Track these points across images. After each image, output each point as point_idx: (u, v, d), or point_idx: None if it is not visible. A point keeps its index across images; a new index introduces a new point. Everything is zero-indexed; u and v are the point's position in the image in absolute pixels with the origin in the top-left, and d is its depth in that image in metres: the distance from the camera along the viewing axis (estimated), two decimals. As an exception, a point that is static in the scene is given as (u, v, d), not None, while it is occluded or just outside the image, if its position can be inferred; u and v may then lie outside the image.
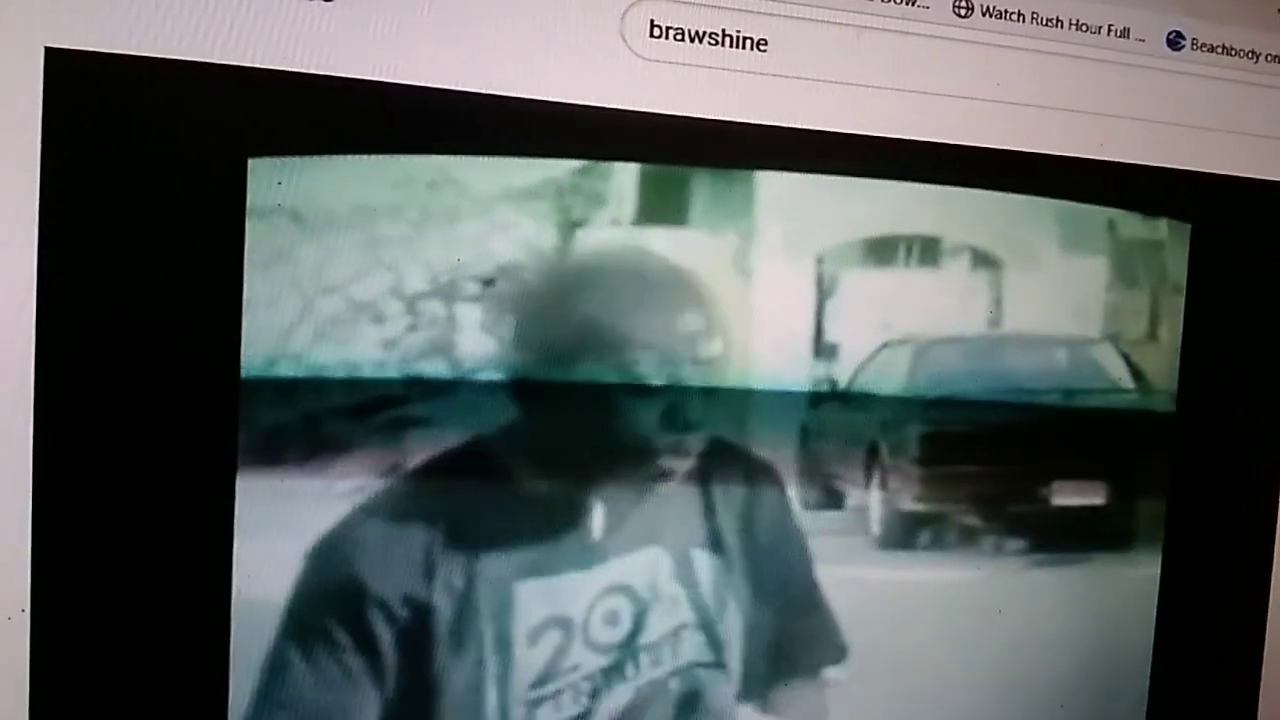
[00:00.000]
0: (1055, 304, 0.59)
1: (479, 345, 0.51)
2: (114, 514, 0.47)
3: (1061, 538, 0.59)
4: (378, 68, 0.48)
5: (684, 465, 0.53)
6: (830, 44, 0.54)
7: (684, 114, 0.52)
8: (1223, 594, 0.63)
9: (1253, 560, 0.63)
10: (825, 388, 0.56)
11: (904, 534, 0.57)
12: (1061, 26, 0.58)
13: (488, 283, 0.51)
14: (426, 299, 0.51)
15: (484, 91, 0.49)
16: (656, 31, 0.52)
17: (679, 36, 0.52)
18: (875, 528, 0.57)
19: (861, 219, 0.56)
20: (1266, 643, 0.63)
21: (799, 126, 0.54)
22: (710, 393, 0.53)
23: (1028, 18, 0.57)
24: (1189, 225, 0.61)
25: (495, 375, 0.51)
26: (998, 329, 0.58)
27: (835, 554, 0.56)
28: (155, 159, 0.46)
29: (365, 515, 0.49)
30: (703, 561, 0.54)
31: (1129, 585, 0.60)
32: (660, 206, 0.53)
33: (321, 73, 0.48)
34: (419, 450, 0.50)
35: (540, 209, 0.51)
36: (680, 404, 0.53)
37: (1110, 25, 0.58)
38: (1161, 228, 0.61)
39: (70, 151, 0.45)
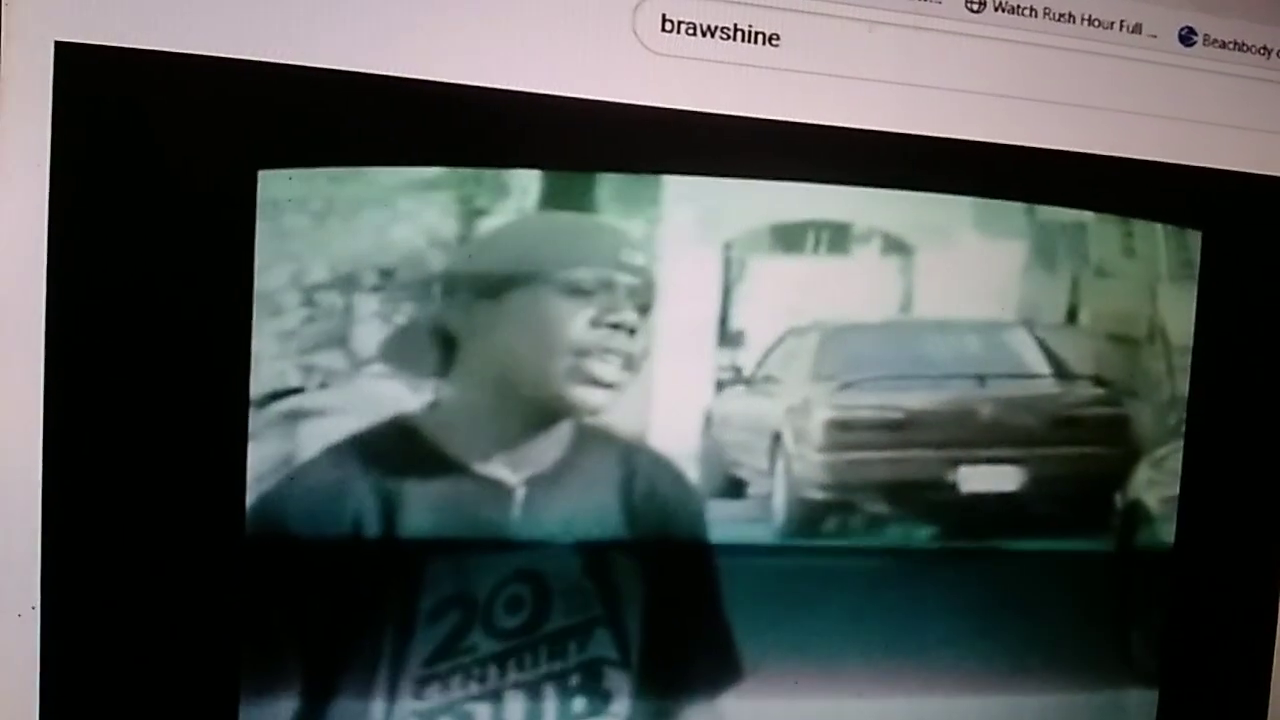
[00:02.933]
0: (968, 288, 0.58)
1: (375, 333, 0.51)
2: (121, 512, 0.47)
3: (972, 525, 0.59)
4: (384, 63, 0.48)
5: (591, 456, 0.53)
6: (842, 39, 0.54)
7: (696, 109, 0.52)
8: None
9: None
10: (729, 375, 0.55)
11: (809, 522, 0.57)
12: (1074, 22, 0.57)
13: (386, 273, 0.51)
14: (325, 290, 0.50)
15: (493, 87, 0.50)
16: (668, 26, 0.52)
17: (691, 31, 0.52)
18: (779, 516, 0.57)
19: (772, 205, 0.55)
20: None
21: (811, 122, 0.54)
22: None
23: (1039, 13, 0.57)
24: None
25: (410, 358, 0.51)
26: (907, 314, 0.57)
27: (737, 542, 0.55)
28: (165, 152, 0.47)
29: (301, 477, 0.50)
30: (615, 557, 0.54)
31: (1040, 572, 0.60)
32: (566, 194, 0.52)
33: (331, 67, 0.48)
34: (353, 421, 0.50)
35: (442, 199, 0.50)
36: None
37: (1122, 21, 0.58)
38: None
39: (80, 144, 0.45)
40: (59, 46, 0.45)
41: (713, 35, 0.52)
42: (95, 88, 0.45)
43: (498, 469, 0.52)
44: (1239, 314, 0.62)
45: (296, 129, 0.48)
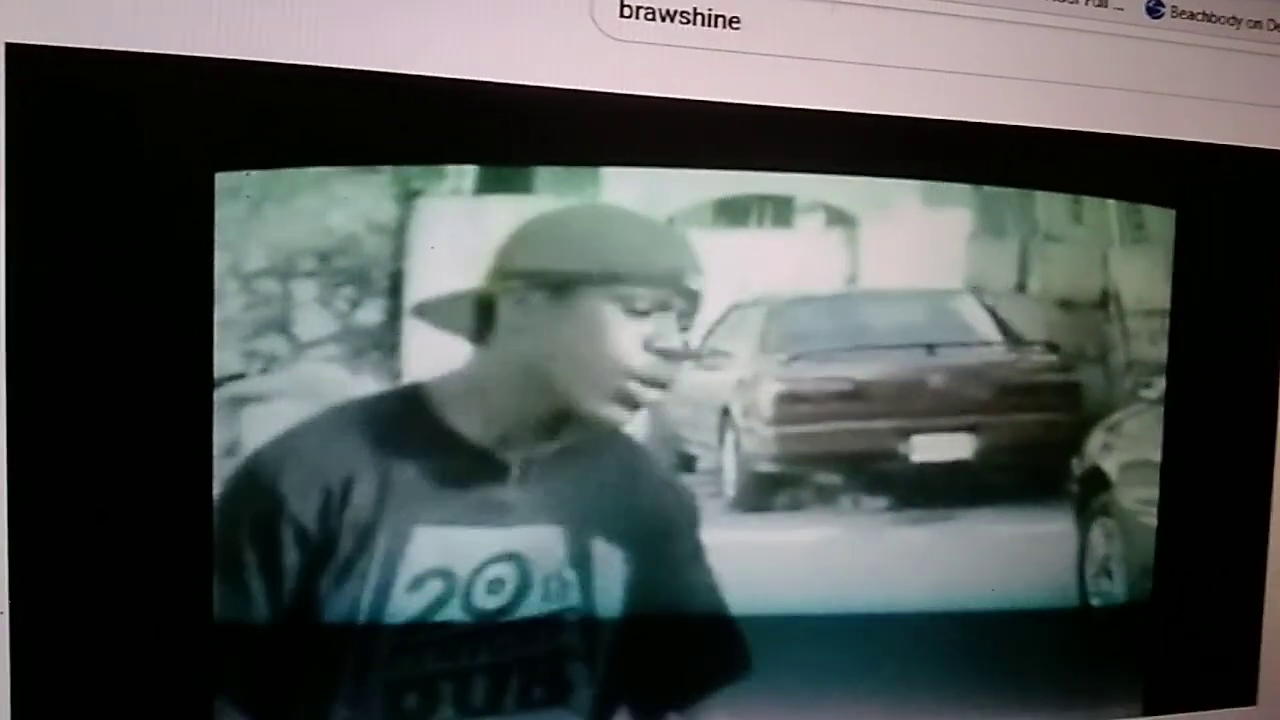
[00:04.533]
0: (915, 258, 0.58)
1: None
2: (89, 512, 0.48)
3: (924, 495, 0.59)
4: (331, 53, 0.48)
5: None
6: (804, 20, 0.54)
7: (657, 94, 0.52)
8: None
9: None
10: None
11: (759, 495, 0.57)
12: (1039, -5, 0.57)
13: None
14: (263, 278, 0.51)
15: (447, 76, 0.49)
16: (627, 11, 0.52)
17: (650, 15, 0.52)
18: (729, 490, 0.57)
19: (714, 180, 0.55)
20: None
21: (775, 105, 0.53)
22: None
23: (1003, -13, 0.56)
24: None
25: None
26: (854, 285, 0.57)
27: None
28: (120, 153, 0.47)
29: (296, 438, 0.50)
30: (600, 550, 0.54)
31: (995, 541, 0.60)
32: (503, 175, 0.52)
33: (283, 62, 0.48)
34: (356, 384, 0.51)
35: (378, 181, 0.50)
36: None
37: (1088, -7, 0.57)
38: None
39: (34, 148, 0.45)
40: (10, 48, 0.45)
41: (672, 19, 0.52)
42: (47, 88, 0.45)
43: (500, 448, 0.53)
44: (1213, 288, 0.62)
45: (249, 127, 0.48)
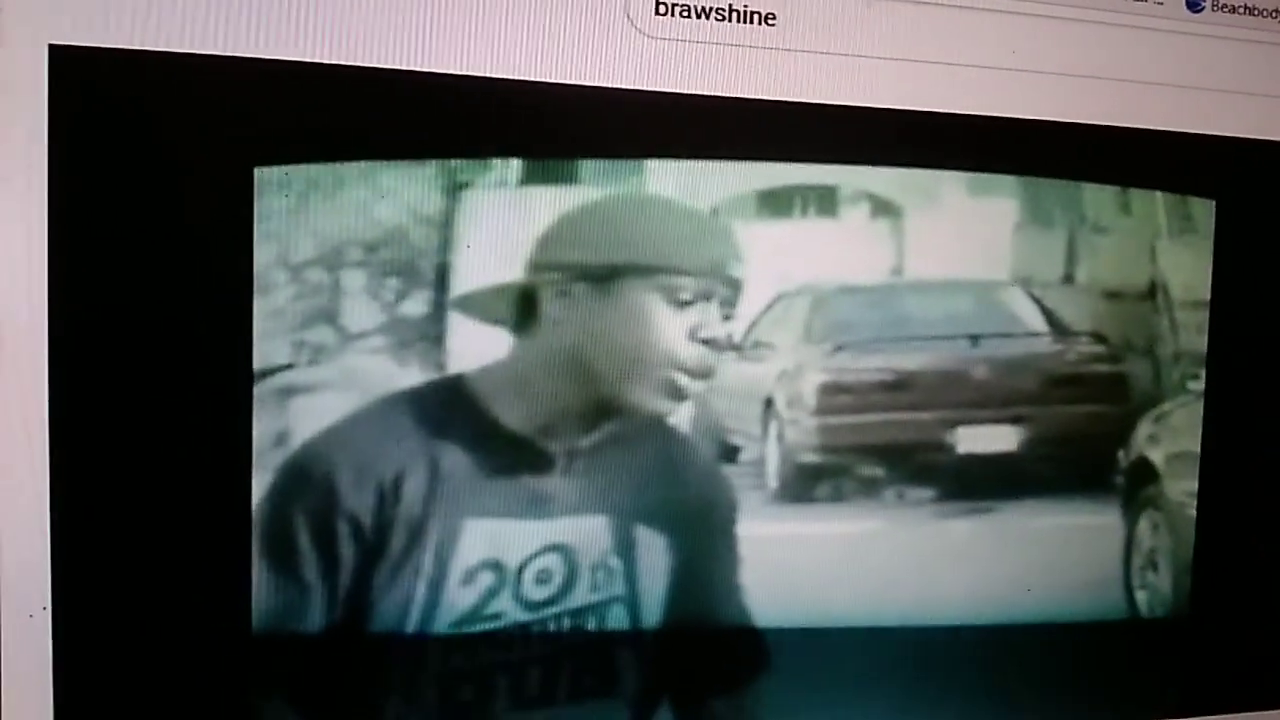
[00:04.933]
0: (961, 248, 0.58)
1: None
2: (131, 510, 0.48)
3: (969, 486, 0.58)
4: (375, 54, 0.49)
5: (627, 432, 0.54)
6: (839, 16, 0.53)
7: (692, 92, 0.52)
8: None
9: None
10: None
11: (802, 487, 0.57)
12: (1077, -10, 0.56)
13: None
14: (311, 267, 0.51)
15: (483, 75, 0.50)
16: (662, 9, 0.52)
17: (685, 12, 0.52)
18: (772, 481, 0.57)
19: (757, 171, 0.55)
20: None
21: (811, 101, 0.53)
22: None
23: (1041, -18, 0.56)
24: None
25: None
26: (899, 276, 0.57)
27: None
28: (161, 152, 0.47)
29: (344, 431, 0.50)
30: (645, 538, 0.54)
31: (1040, 533, 0.59)
32: (548, 168, 0.52)
33: (324, 62, 0.48)
34: (403, 377, 0.51)
35: (425, 173, 0.51)
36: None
37: (1127, -13, 0.57)
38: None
39: (77, 147, 0.46)
40: (53, 50, 0.45)
41: (707, 16, 0.52)
42: (90, 89, 0.46)
43: (545, 440, 0.53)
44: (1255, 280, 0.61)
45: (291, 125, 0.49)
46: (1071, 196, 0.59)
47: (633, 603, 0.54)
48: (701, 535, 0.55)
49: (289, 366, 0.50)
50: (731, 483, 0.56)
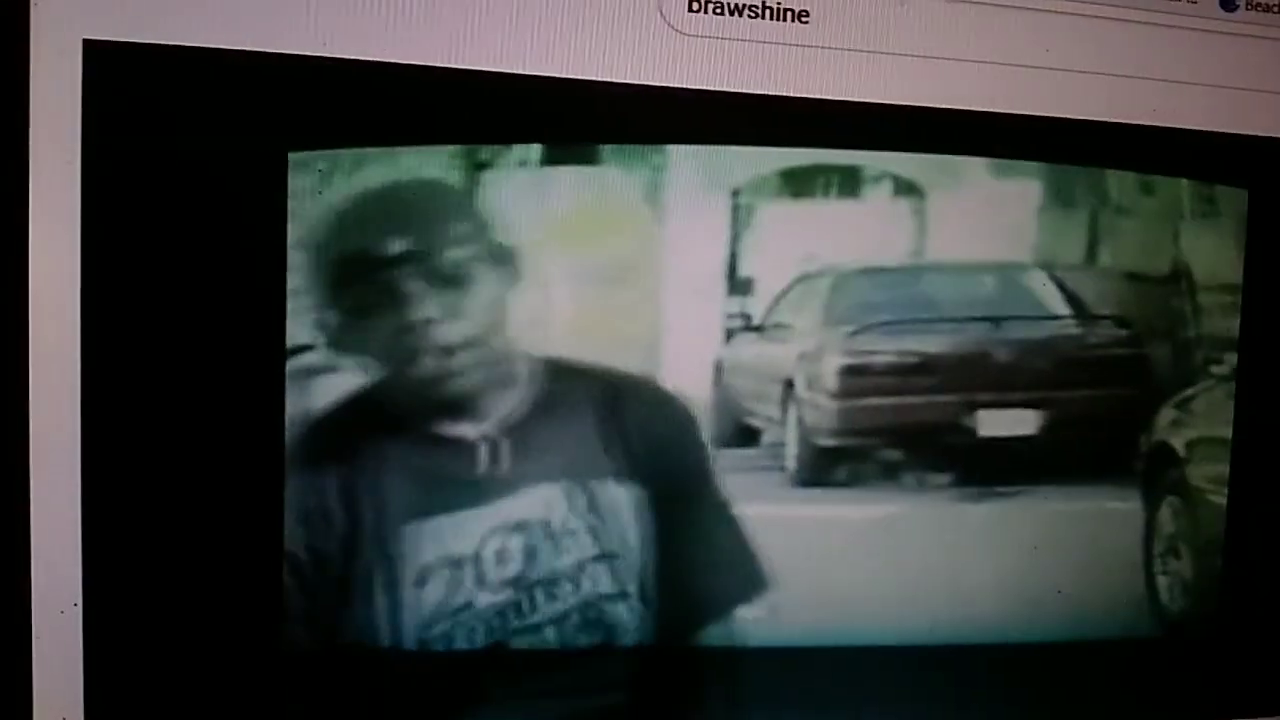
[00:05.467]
0: (983, 230, 0.57)
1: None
2: (161, 507, 0.48)
3: (989, 471, 0.58)
4: (408, 50, 0.49)
5: (588, 397, 0.53)
6: (873, 14, 0.53)
7: (725, 89, 0.52)
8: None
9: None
10: (739, 322, 0.54)
11: (821, 470, 0.56)
12: (1111, -10, 0.56)
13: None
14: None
15: (517, 72, 0.50)
16: (695, 6, 0.51)
17: (718, 10, 0.51)
18: (791, 464, 0.56)
19: (778, 151, 0.54)
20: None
21: (843, 99, 0.53)
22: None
23: (1076, -18, 0.55)
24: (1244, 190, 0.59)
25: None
26: (920, 257, 0.56)
27: (749, 491, 0.55)
28: (194, 148, 0.47)
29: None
30: (609, 494, 0.54)
31: (1060, 518, 0.59)
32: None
33: (354, 58, 0.48)
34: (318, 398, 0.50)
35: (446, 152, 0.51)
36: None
37: (1161, -14, 0.56)
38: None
39: (110, 143, 0.46)
40: (87, 44, 0.45)
41: (740, 13, 0.52)
42: (125, 85, 0.46)
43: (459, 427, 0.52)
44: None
45: (325, 121, 0.49)
46: (1094, 178, 0.58)
47: (612, 554, 0.54)
48: (668, 467, 0.54)
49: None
50: (686, 397, 0.54)
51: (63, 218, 0.46)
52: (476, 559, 0.52)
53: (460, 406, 0.52)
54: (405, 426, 0.52)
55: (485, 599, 0.52)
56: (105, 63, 0.45)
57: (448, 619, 0.52)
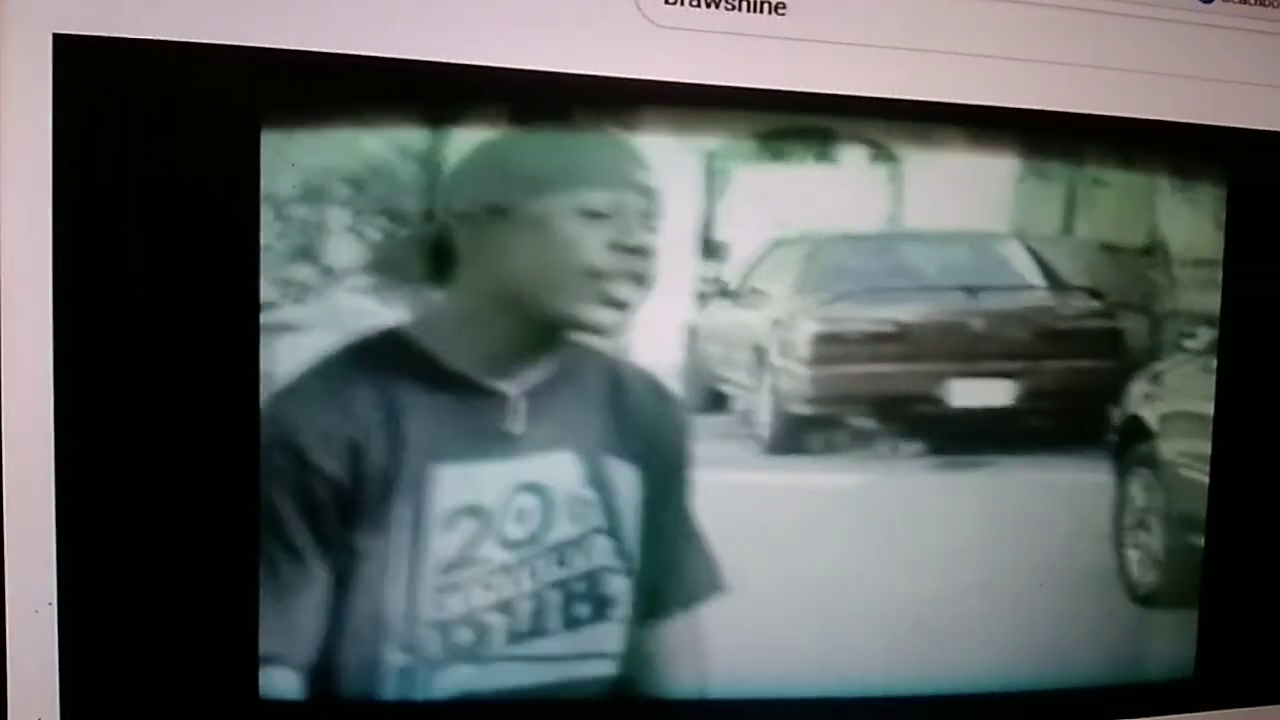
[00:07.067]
0: (960, 199, 0.57)
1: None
2: (135, 505, 0.48)
3: (961, 440, 0.58)
4: (385, 43, 0.48)
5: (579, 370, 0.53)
6: (850, 5, 0.53)
7: (702, 82, 0.52)
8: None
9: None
10: (712, 288, 0.54)
11: (793, 437, 0.56)
12: (1087, -19, 0.56)
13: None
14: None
15: (494, 65, 0.49)
16: None
17: (695, 2, 0.51)
18: (763, 431, 0.56)
19: (755, 115, 0.54)
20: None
21: (819, 91, 0.53)
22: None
23: (1052, -27, 0.55)
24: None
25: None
26: (896, 225, 0.56)
27: (720, 458, 0.54)
28: (163, 140, 0.47)
29: (302, 389, 0.50)
30: (613, 468, 0.54)
31: (1032, 488, 0.59)
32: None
33: (326, 50, 0.48)
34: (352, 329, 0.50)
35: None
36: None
37: (1137, -21, 0.56)
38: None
39: (81, 135, 0.46)
40: (57, 39, 0.45)
41: (717, 5, 0.52)
42: (95, 79, 0.46)
43: (497, 381, 0.52)
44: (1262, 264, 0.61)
45: (296, 114, 0.49)
46: (1071, 148, 0.58)
47: (613, 529, 0.54)
48: (660, 454, 0.54)
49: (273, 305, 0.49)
50: (681, 401, 0.54)
51: (35, 212, 0.46)
52: (500, 514, 0.52)
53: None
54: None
55: (500, 556, 0.52)
56: (75, 56, 0.45)
57: (465, 569, 0.52)
